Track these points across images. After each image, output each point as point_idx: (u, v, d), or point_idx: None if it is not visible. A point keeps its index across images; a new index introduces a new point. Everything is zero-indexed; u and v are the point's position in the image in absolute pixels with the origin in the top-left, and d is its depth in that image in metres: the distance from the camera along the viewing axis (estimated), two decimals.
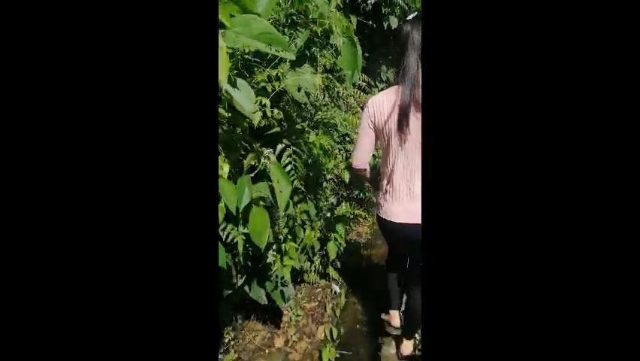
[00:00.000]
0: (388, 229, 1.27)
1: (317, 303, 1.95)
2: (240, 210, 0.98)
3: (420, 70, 1.05)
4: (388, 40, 3.68)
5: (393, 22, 2.91)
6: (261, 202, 1.10)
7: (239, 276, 1.42)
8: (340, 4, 2.48)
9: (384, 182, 1.23)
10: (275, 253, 1.38)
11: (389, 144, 1.13)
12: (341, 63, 1.19)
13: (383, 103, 1.11)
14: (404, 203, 1.18)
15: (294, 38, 1.14)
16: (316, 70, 1.26)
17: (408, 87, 1.05)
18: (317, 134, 1.44)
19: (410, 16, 1.12)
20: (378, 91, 3.29)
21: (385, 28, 2.97)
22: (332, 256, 1.88)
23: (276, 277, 1.52)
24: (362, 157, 1.21)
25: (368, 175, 1.32)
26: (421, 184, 1.11)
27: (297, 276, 1.98)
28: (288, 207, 1.13)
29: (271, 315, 1.79)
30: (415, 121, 1.06)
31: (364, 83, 2.37)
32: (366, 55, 3.60)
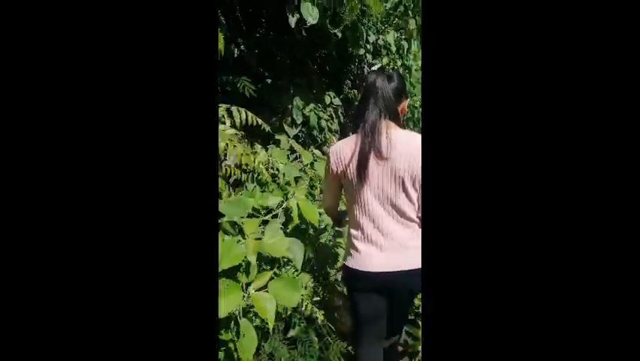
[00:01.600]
0: (362, 280, 1.17)
1: None
2: None
3: (382, 120, 1.05)
4: (303, 59, 2.30)
5: (309, 14, 1.53)
6: None
7: None
8: None
9: (353, 230, 1.18)
10: None
11: (353, 190, 1.13)
12: None
13: (343, 150, 1.11)
14: (377, 250, 1.13)
15: None
16: None
17: (368, 136, 1.06)
18: None
19: (374, 67, 1.13)
20: (288, 138, 1.87)
21: (293, 26, 1.57)
22: None
23: None
24: (331, 201, 1.24)
25: (335, 214, 1.34)
26: (390, 228, 1.11)
27: None
28: None
29: None
30: (377, 168, 1.07)
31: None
32: (268, 82, 2.16)
